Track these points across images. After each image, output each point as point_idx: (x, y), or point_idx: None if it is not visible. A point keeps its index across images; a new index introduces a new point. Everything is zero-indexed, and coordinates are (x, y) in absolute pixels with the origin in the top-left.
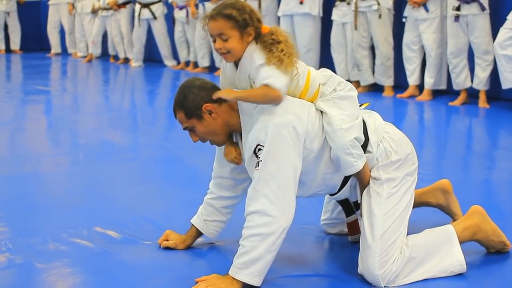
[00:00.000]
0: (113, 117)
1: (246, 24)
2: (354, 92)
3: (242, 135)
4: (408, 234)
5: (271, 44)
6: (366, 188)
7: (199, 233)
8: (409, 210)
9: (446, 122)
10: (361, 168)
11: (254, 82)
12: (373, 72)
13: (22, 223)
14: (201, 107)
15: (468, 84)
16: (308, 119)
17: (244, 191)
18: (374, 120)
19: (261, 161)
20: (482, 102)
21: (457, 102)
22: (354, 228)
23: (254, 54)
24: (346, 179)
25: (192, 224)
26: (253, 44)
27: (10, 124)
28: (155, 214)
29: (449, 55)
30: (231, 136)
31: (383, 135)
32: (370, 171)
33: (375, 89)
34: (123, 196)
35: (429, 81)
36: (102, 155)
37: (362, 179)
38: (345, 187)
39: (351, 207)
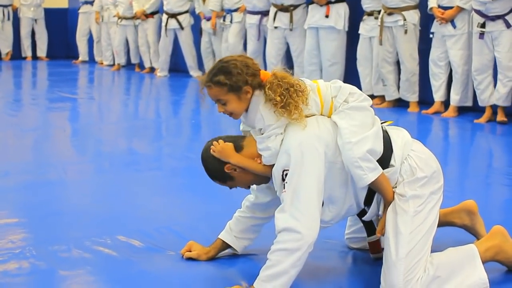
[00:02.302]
0: (138, 126)
1: (239, 86)
2: (368, 102)
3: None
4: (431, 252)
5: (276, 97)
6: (391, 205)
7: (223, 247)
8: (434, 229)
9: (470, 139)
10: (371, 180)
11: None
12: (398, 87)
13: (46, 230)
14: (224, 170)
15: (493, 101)
16: (325, 134)
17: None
18: (402, 136)
19: (286, 183)
20: (500, 117)
21: (482, 119)
22: (376, 247)
23: (262, 111)
24: (371, 193)
25: (220, 239)
26: (256, 96)
27: (35, 131)
28: (179, 224)
29: (474, 72)
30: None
31: (408, 153)
32: (395, 187)
33: (400, 104)
34: (146, 206)
35: (455, 98)
36: (126, 164)
37: (384, 195)
38: (372, 203)
39: (373, 227)
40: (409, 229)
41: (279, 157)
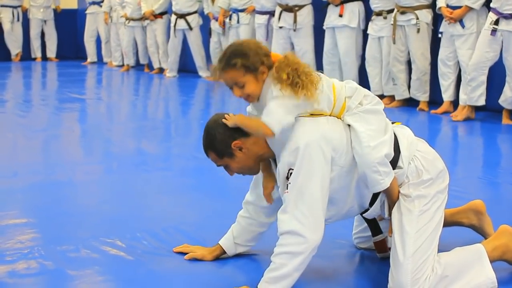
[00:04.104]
0: (147, 127)
1: (256, 67)
2: (381, 106)
3: (276, 161)
4: (438, 251)
5: (283, 75)
6: (396, 205)
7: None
8: (440, 228)
9: (479, 138)
10: (388, 185)
11: None
12: (409, 87)
13: (54, 230)
14: (230, 145)
15: (481, 102)
16: (334, 137)
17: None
18: (407, 136)
19: (290, 183)
20: (505, 119)
21: (459, 116)
22: (382, 247)
23: (272, 87)
24: (376, 193)
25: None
26: (269, 77)
27: (45, 132)
28: (187, 224)
29: (470, 66)
30: (270, 168)
31: (414, 154)
32: (399, 188)
33: (410, 104)
34: (155, 206)
35: (463, 98)
36: (135, 164)
37: (390, 195)
38: (375, 203)
39: (378, 227)
40: (414, 228)
41: (286, 154)
